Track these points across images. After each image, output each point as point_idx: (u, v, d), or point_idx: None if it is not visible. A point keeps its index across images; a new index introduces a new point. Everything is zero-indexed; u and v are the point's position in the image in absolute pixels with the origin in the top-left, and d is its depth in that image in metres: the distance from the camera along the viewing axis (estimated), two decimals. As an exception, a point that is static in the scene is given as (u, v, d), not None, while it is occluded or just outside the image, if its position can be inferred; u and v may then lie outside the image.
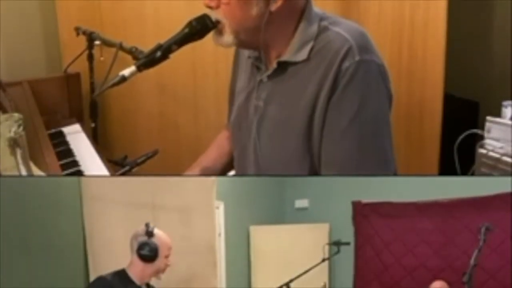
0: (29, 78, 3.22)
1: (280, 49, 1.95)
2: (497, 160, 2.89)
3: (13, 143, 1.82)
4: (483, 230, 2.14)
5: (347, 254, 3.09)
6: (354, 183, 3.19)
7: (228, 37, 1.92)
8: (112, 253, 2.21)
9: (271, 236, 3.24)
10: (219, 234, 2.88)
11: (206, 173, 2.31)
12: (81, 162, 2.61)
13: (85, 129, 3.11)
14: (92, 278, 2.16)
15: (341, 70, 1.82)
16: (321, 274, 2.98)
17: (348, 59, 1.82)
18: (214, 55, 3.38)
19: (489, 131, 2.99)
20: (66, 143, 2.86)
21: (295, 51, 1.92)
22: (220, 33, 1.93)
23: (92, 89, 3.33)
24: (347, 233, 3.15)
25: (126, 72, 1.96)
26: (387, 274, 3.05)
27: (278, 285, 2.64)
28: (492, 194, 2.77)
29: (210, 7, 1.92)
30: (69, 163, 2.59)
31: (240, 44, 1.97)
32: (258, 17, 1.87)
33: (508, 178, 2.73)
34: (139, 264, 1.92)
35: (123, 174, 2.31)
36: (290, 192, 3.52)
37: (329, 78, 1.83)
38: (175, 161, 3.46)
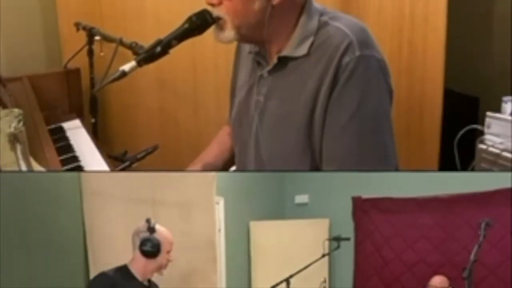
0: (29, 74, 3.22)
1: (281, 44, 1.95)
2: (497, 155, 2.89)
3: (13, 139, 1.82)
4: (483, 225, 2.13)
5: (347, 250, 3.10)
6: (354, 178, 3.19)
7: (229, 33, 1.91)
8: (112, 249, 2.21)
9: (271, 231, 3.25)
10: (219, 230, 2.89)
11: (207, 169, 2.30)
12: (81, 158, 2.60)
13: (85, 124, 3.11)
14: (92, 273, 2.16)
15: (342, 65, 1.82)
16: (321, 269, 2.99)
17: (349, 54, 1.82)
18: (214, 51, 3.37)
19: (489, 127, 2.98)
20: (66, 138, 2.86)
21: (295, 46, 1.92)
22: (221, 29, 1.93)
23: (92, 85, 3.33)
24: (347, 229, 3.16)
25: (126, 67, 1.96)
26: (387, 270, 3.06)
27: (278, 280, 2.65)
28: (492, 190, 2.77)
29: (212, 5, 1.91)
30: (69, 159, 2.58)
31: (242, 39, 1.97)
32: (260, 11, 1.87)
33: (508, 174, 2.73)
34: (141, 260, 1.92)
35: (123, 169, 2.31)
36: (290, 188, 3.52)
37: (329, 73, 1.83)
38: (175, 157, 3.46)
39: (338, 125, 1.84)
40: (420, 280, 2.84)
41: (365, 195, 3.17)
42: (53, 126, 2.98)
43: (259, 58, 2.04)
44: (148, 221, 1.93)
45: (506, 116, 2.95)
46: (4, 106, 2.28)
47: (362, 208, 3.18)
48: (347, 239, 2.98)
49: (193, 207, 2.38)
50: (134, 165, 2.35)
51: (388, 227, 3.09)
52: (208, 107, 3.56)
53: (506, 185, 2.72)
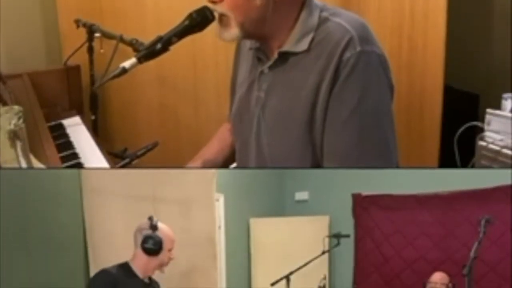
0: (29, 71, 3.22)
1: (282, 40, 1.95)
2: (497, 152, 2.89)
3: (13, 136, 1.82)
4: (483, 222, 2.14)
5: (347, 247, 3.10)
6: (354, 175, 3.19)
7: (234, 31, 1.90)
8: (112, 246, 2.21)
9: (271, 228, 3.25)
10: (219, 227, 2.89)
11: (207, 166, 2.30)
12: (81, 155, 2.60)
13: (85, 121, 3.11)
14: (92, 270, 2.17)
15: (342, 61, 1.82)
16: (321, 266, 2.99)
17: (349, 49, 1.82)
18: (214, 47, 3.37)
19: (489, 124, 2.99)
20: (66, 135, 2.86)
21: (295, 41, 1.92)
22: (226, 26, 1.91)
23: (92, 82, 3.33)
24: (347, 226, 3.16)
25: (127, 64, 1.96)
26: (387, 266, 3.06)
27: (278, 277, 2.65)
28: (492, 187, 2.78)
29: (213, 2, 1.91)
30: (69, 156, 2.58)
31: (246, 36, 1.96)
32: (263, 6, 1.87)
33: (508, 171, 2.73)
34: (143, 257, 1.93)
35: (123, 166, 2.30)
36: (290, 185, 3.53)
37: (330, 69, 1.83)
38: (175, 154, 3.46)
39: (339, 120, 1.84)
40: (420, 277, 2.84)
41: (365, 192, 3.17)
42: (53, 123, 2.98)
43: (260, 54, 2.04)
44: (150, 218, 1.94)
45: (506, 113, 2.95)
46: (4, 103, 2.28)
47: (362, 205, 3.18)
48: (347, 236, 2.98)
49: (193, 204, 2.38)
50: (134, 162, 2.35)
51: (388, 224, 3.09)
52: (208, 104, 3.56)
53: (506, 182, 2.72)
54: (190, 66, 3.51)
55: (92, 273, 2.10)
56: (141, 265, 1.93)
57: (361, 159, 1.86)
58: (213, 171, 2.40)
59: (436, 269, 2.77)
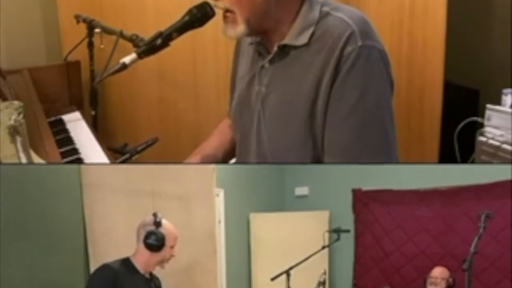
0: (29, 66, 3.22)
1: (282, 34, 1.94)
2: (497, 148, 2.89)
3: (13, 131, 1.82)
4: (483, 217, 2.14)
5: (347, 242, 3.11)
6: (354, 170, 3.19)
7: (240, 27, 1.89)
8: (112, 241, 2.22)
9: (271, 223, 3.25)
10: (219, 222, 2.89)
11: (207, 161, 2.30)
12: (81, 150, 2.61)
13: (85, 117, 3.11)
14: (92, 265, 2.17)
15: (343, 55, 1.82)
16: (321, 261, 2.99)
17: (351, 44, 1.82)
18: (214, 42, 3.37)
19: (489, 119, 2.99)
20: (66, 131, 2.86)
21: (296, 35, 1.91)
22: (232, 23, 1.91)
23: (92, 77, 3.33)
24: (347, 221, 3.17)
25: (127, 59, 1.96)
26: (387, 262, 3.06)
27: (278, 272, 2.65)
28: (492, 182, 2.78)
29: None
30: (69, 151, 2.59)
31: (251, 32, 1.96)
32: (266, 0, 1.87)
33: (508, 166, 2.73)
34: (145, 253, 1.93)
35: (123, 161, 2.31)
36: (290, 180, 3.53)
37: (331, 63, 1.82)
38: (175, 149, 3.46)
39: (340, 115, 1.84)
40: (420, 272, 2.85)
41: (365, 187, 3.18)
42: (53, 118, 2.98)
43: (261, 49, 2.04)
44: (155, 215, 1.94)
45: (506, 108, 2.96)
46: (4, 99, 2.28)
47: (362, 200, 3.18)
48: (347, 231, 2.98)
49: (193, 199, 2.39)
50: (134, 158, 2.35)
51: (388, 219, 3.10)
52: (208, 99, 3.56)
53: (506, 177, 2.72)
54: (190, 61, 3.51)
55: (92, 267, 2.11)
56: (142, 260, 1.94)
57: (362, 153, 1.86)
58: (213, 166, 2.40)
59: (436, 264, 2.78)
